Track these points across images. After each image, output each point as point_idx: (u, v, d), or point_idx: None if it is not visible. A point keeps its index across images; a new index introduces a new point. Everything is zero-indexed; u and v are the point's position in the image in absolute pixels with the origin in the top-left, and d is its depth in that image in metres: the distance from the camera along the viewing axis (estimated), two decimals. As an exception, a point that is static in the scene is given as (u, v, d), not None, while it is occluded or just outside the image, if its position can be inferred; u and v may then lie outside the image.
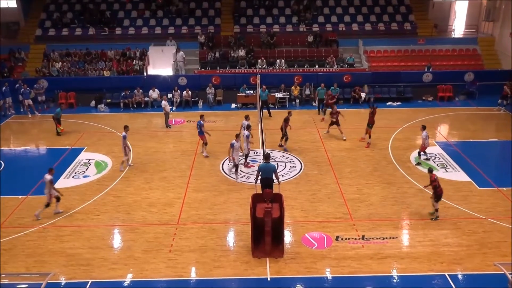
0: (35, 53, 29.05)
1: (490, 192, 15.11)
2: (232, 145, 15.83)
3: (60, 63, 27.57)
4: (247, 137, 16.82)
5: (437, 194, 13.28)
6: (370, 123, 18.79)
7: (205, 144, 18.18)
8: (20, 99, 23.81)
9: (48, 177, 13.56)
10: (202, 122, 18.02)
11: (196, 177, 16.44)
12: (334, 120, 19.50)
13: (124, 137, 16.68)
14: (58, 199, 13.95)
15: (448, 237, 12.57)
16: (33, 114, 23.76)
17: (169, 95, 25.04)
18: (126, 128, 17.00)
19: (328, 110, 21.51)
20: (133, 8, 32.04)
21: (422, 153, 17.34)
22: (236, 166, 16.10)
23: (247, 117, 18.11)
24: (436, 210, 13.46)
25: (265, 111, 22.76)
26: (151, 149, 18.97)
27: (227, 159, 17.39)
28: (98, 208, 14.41)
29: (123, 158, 17.06)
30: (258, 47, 29.16)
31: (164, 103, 21.61)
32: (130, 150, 17.35)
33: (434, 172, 13.58)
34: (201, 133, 18.03)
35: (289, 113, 19.12)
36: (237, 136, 16.15)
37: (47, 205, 13.73)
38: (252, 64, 28.00)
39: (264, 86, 22.68)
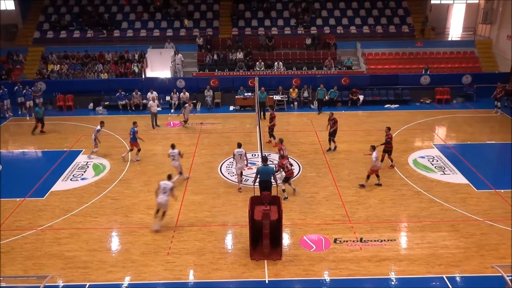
0: (33, 55, 29.01)
1: (488, 194, 15.13)
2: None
3: (58, 65, 27.55)
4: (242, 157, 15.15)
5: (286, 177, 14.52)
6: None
7: (139, 150, 18.01)
8: (21, 101, 23.79)
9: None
10: (135, 129, 17.85)
11: (194, 180, 16.42)
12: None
13: (98, 130, 18.21)
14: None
15: (446, 240, 12.59)
16: (31, 117, 23.69)
17: (167, 98, 25.07)
18: (102, 123, 18.62)
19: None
20: (132, 11, 32.07)
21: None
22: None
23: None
24: (284, 190, 14.49)
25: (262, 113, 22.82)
26: (149, 151, 18.93)
27: (226, 162, 17.37)
28: (96, 210, 14.38)
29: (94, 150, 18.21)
30: (256, 50, 29.22)
31: (150, 102, 21.64)
32: (99, 142, 18.41)
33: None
34: (133, 139, 17.79)
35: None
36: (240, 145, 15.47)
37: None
38: (250, 66, 28.02)
39: (263, 88, 22.73)
